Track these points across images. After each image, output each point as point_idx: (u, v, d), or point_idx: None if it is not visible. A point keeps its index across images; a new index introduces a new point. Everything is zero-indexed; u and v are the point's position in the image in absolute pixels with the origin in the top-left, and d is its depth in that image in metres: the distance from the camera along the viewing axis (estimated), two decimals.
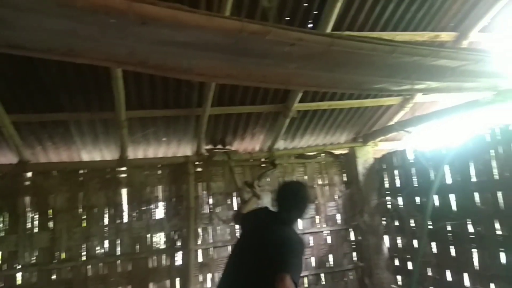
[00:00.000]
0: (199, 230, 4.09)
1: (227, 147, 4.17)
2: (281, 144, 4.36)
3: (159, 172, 4.07)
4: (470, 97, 3.29)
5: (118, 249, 3.82)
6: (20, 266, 3.51)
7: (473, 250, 3.28)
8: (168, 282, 3.92)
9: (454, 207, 3.45)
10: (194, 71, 1.77)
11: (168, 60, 1.66)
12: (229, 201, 4.26)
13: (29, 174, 3.68)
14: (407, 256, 4.08)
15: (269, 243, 2.32)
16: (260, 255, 2.30)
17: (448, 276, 3.55)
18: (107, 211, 3.84)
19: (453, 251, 3.48)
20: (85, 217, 3.78)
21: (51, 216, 3.70)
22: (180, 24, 1.42)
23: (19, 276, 3.54)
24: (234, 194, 4.26)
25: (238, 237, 2.76)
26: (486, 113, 3.20)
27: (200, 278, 4.03)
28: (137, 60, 1.68)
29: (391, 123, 4.23)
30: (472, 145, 3.25)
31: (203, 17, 1.46)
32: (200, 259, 4.07)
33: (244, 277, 2.32)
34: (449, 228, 3.48)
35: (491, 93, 3.01)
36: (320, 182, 4.64)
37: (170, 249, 3.97)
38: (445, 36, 3.23)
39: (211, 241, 4.12)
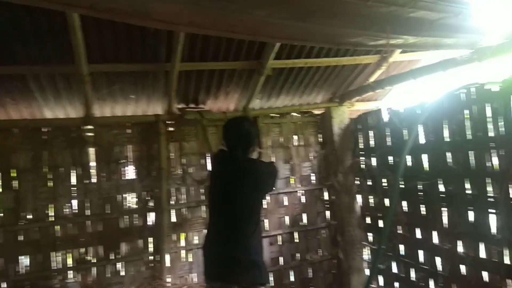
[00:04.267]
0: (172, 191, 4.02)
1: (200, 106, 4.03)
2: (256, 104, 4.24)
3: (129, 131, 3.91)
4: (447, 56, 3.23)
5: (88, 210, 3.72)
6: None
7: (442, 209, 3.33)
8: (140, 242, 3.87)
9: (426, 166, 3.47)
10: (152, 16, 1.61)
11: (120, 2, 1.49)
12: (202, 162, 4.18)
13: None
14: (379, 215, 4.14)
15: (251, 179, 2.52)
16: (248, 191, 2.51)
17: (418, 234, 3.62)
18: (75, 171, 3.70)
19: (423, 210, 3.54)
20: (51, 177, 3.63)
21: (15, 175, 3.54)
22: None
23: None
24: (208, 154, 4.17)
25: (211, 185, 2.78)
26: (462, 72, 3.14)
27: (174, 237, 4.00)
28: (88, 3, 1.50)
29: (368, 82, 4.15)
30: (446, 105, 3.21)
31: None
32: (173, 219, 4.03)
33: (239, 217, 2.49)
34: (420, 187, 3.52)
35: (468, 51, 2.94)
36: (295, 142, 4.59)
37: (142, 209, 3.90)
38: None
39: (184, 201, 4.07)
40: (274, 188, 2.63)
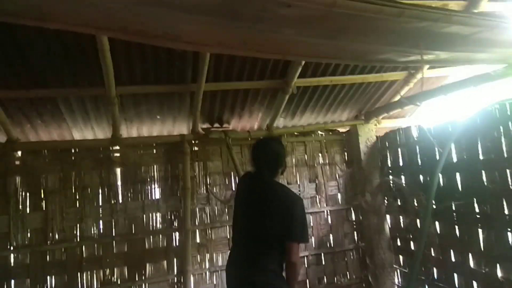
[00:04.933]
0: (196, 210, 4.00)
1: (225, 125, 4.03)
2: (280, 122, 4.21)
3: (154, 151, 3.94)
4: (479, 71, 3.13)
5: (113, 229, 3.73)
6: (12, 248, 3.43)
7: (478, 230, 3.16)
8: (165, 263, 3.85)
9: (459, 186, 3.32)
10: (182, 39, 1.61)
11: (151, 25, 1.50)
12: (227, 181, 4.15)
13: (19, 153, 3.56)
14: (409, 236, 3.98)
15: (271, 207, 2.40)
16: (268, 219, 2.39)
17: (452, 256, 3.45)
18: (101, 192, 3.73)
19: (457, 231, 3.38)
20: (78, 197, 3.68)
21: (43, 196, 3.59)
22: None
23: (12, 257, 3.46)
24: (232, 173, 4.14)
25: (236, 206, 2.72)
26: (495, 87, 3.03)
27: (198, 258, 3.95)
28: (117, 26, 1.52)
29: (396, 99, 4.06)
30: (480, 121, 3.09)
31: None
32: (197, 239, 3.98)
33: (256, 241, 2.41)
34: (453, 208, 3.37)
35: (501, 66, 2.83)
36: (321, 161, 4.51)
37: (167, 230, 3.89)
38: (454, 5, 3.03)
39: (208, 221, 4.03)
40: (292, 226, 2.37)
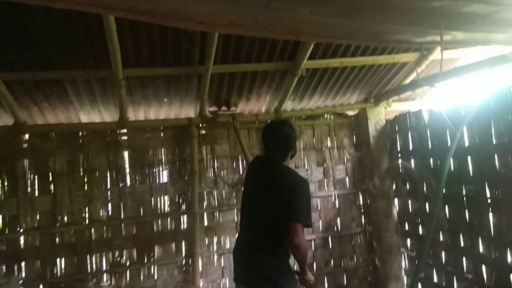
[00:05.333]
0: (204, 194, 3.99)
1: (232, 108, 3.98)
2: (288, 105, 4.15)
3: (162, 134, 3.92)
4: (493, 53, 3.04)
5: (122, 212, 3.74)
6: (22, 230, 3.45)
7: (489, 214, 3.13)
8: (173, 246, 3.87)
9: (470, 170, 3.28)
10: (193, 18, 1.55)
11: (161, 4, 1.45)
12: (234, 165, 4.13)
13: (27, 136, 3.54)
14: (418, 220, 3.96)
15: (276, 188, 2.37)
16: (272, 202, 2.37)
17: (461, 241, 3.43)
18: (109, 175, 3.73)
19: (467, 216, 3.35)
20: (86, 180, 3.68)
21: (52, 179, 3.60)
22: None
23: (21, 240, 3.49)
24: (240, 157, 4.12)
25: (244, 191, 2.71)
26: (510, 69, 2.95)
27: (206, 241, 3.97)
28: (126, 5, 1.46)
29: (407, 81, 3.98)
30: (493, 104, 3.03)
31: None
32: (205, 223, 3.99)
33: (261, 225, 2.40)
34: (464, 192, 3.33)
35: None
36: (329, 144, 4.47)
37: (175, 213, 3.89)
38: None
39: (216, 204, 4.03)
40: (297, 207, 2.33)
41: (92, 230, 3.64)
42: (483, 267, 3.21)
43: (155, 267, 3.79)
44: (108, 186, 3.72)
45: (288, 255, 2.46)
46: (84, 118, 3.67)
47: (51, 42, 2.68)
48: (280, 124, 2.66)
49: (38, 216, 3.52)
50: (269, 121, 2.84)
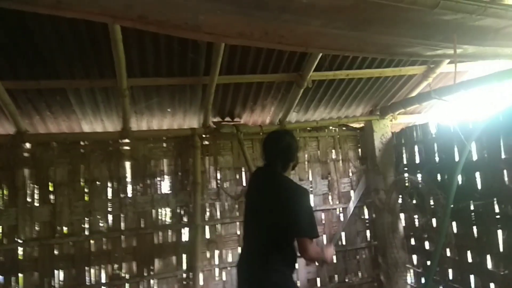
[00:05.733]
0: (206, 206, 3.93)
1: (236, 119, 3.94)
2: (293, 117, 4.11)
3: (164, 145, 3.87)
4: (501, 67, 3.01)
5: (122, 224, 3.67)
6: (21, 241, 3.38)
7: (498, 231, 3.06)
8: (174, 259, 3.79)
9: (479, 185, 3.22)
10: (203, 29, 1.51)
11: (171, 15, 1.41)
12: (237, 176, 4.07)
13: (28, 145, 3.49)
14: (425, 236, 3.88)
15: (276, 201, 2.31)
16: (273, 215, 2.30)
17: (469, 257, 3.36)
18: (110, 185, 3.67)
19: (475, 232, 3.28)
20: (87, 190, 3.62)
21: (52, 189, 3.54)
22: None
23: (20, 250, 3.41)
24: (243, 168, 4.06)
25: (246, 203, 2.66)
26: None
27: (208, 254, 3.89)
28: (135, 14, 1.42)
29: (414, 93, 3.95)
30: (503, 119, 2.98)
31: None
32: (207, 235, 3.92)
33: (262, 238, 2.34)
34: (472, 207, 3.27)
35: None
36: (334, 157, 4.41)
37: (176, 225, 3.82)
38: None
39: (218, 217, 3.96)
40: (300, 221, 2.27)
41: (92, 241, 3.57)
42: (492, 284, 3.13)
43: (155, 280, 3.71)
44: (109, 197, 3.66)
45: (292, 269, 2.40)
46: (86, 128, 3.62)
47: (56, 50, 2.65)
48: (282, 133, 2.58)
49: (37, 226, 3.45)
50: (272, 131, 2.77)
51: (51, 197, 3.52)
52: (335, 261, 4.23)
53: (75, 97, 3.15)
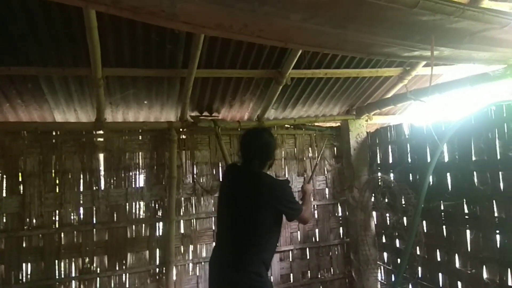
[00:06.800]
0: (182, 200, 3.89)
1: (214, 114, 3.91)
2: (271, 114, 4.11)
3: (140, 137, 3.80)
4: (476, 70, 3.09)
5: (94, 217, 3.59)
6: None
7: (466, 231, 3.16)
8: (147, 253, 3.74)
9: (449, 186, 3.31)
10: (180, 18, 1.48)
11: (147, 1, 1.37)
12: (214, 171, 4.04)
13: None
14: (395, 234, 3.97)
15: (259, 196, 2.33)
16: (254, 212, 2.31)
17: (438, 256, 3.45)
18: (82, 177, 3.58)
19: (444, 231, 3.37)
20: (58, 182, 3.51)
21: (21, 179, 3.42)
22: None
23: None
24: (221, 164, 4.04)
25: (220, 199, 2.67)
26: (493, 88, 3.00)
27: (182, 249, 3.86)
28: None
29: (389, 95, 4.02)
30: (474, 122, 3.07)
31: None
32: (182, 230, 3.88)
33: (240, 236, 2.32)
34: (442, 207, 3.36)
35: (500, 66, 2.80)
36: (310, 155, 4.45)
37: (151, 219, 3.77)
38: None
39: (194, 212, 3.93)
40: (290, 207, 2.43)
41: (62, 234, 3.47)
42: (459, 283, 3.22)
43: (127, 275, 3.65)
44: (81, 189, 3.57)
45: (267, 268, 2.41)
46: (59, 117, 3.52)
47: (28, 36, 2.55)
48: (260, 131, 2.61)
49: (4, 218, 3.33)
50: (250, 128, 2.78)
51: (20, 187, 3.40)
52: (308, 257, 4.28)
53: (47, 86, 3.06)
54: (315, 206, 4.38)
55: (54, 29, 2.52)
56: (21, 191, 3.40)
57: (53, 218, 3.47)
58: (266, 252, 2.37)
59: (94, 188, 3.60)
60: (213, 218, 3.95)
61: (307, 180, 3.95)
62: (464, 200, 3.15)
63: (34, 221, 3.41)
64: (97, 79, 2.85)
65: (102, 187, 3.63)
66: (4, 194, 3.35)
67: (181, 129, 3.86)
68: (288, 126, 4.32)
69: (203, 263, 3.86)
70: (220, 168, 4.05)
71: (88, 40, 2.48)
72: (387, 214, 4.07)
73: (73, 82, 3.08)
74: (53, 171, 3.51)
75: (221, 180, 2.84)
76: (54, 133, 3.52)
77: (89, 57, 2.68)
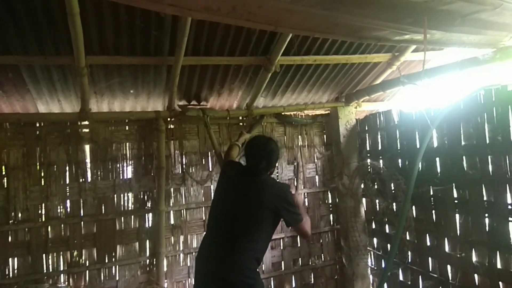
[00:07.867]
0: (171, 191, 3.84)
1: (202, 103, 3.84)
2: (260, 102, 4.06)
3: (127, 128, 3.72)
4: (465, 55, 3.09)
5: (81, 210, 3.52)
6: None
7: (456, 215, 3.18)
8: (137, 245, 3.69)
9: (439, 171, 3.33)
10: (165, 0, 1.42)
11: None
12: (204, 161, 4.00)
13: None
14: (385, 220, 3.99)
15: (263, 200, 2.40)
16: (257, 213, 2.39)
17: (428, 240, 3.48)
18: (68, 169, 3.50)
19: (434, 216, 3.40)
20: (43, 175, 3.43)
21: (5, 172, 3.32)
22: None
23: None
24: (210, 153, 3.99)
25: (221, 186, 2.74)
26: (483, 72, 3.00)
27: (172, 240, 3.82)
28: None
29: (378, 81, 4.00)
30: (463, 107, 3.08)
31: None
32: (172, 221, 3.84)
33: (239, 237, 2.37)
34: (431, 192, 3.38)
35: (490, 50, 2.79)
36: (300, 143, 4.43)
37: (140, 211, 3.71)
38: None
39: (183, 202, 3.89)
40: (291, 213, 2.51)
41: (49, 228, 3.40)
42: (449, 266, 3.27)
43: (117, 267, 3.60)
44: (67, 182, 3.48)
45: (258, 264, 2.47)
46: (42, 108, 3.41)
47: (7, 23, 2.44)
48: (267, 139, 2.73)
49: None
50: (258, 136, 3.13)
51: (4, 181, 3.31)
52: (299, 245, 4.28)
53: (29, 75, 2.95)
54: (305, 194, 4.37)
55: (34, 15, 2.42)
56: (5, 185, 3.30)
57: (39, 212, 3.39)
58: (260, 251, 2.46)
59: (81, 180, 3.52)
60: (203, 208, 3.92)
61: (295, 189, 4.05)
62: (454, 184, 3.17)
63: (20, 215, 3.32)
64: (81, 67, 2.76)
65: (89, 179, 3.56)
66: None
67: (169, 119, 3.79)
68: (274, 121, 4.31)
69: (194, 253, 3.82)
70: (209, 157, 4.00)
71: (70, 27, 2.38)
72: (377, 200, 4.09)
73: (56, 71, 2.98)
74: (37, 163, 3.41)
75: (222, 172, 2.84)
76: (37, 125, 3.41)
77: (71, 44, 2.58)
